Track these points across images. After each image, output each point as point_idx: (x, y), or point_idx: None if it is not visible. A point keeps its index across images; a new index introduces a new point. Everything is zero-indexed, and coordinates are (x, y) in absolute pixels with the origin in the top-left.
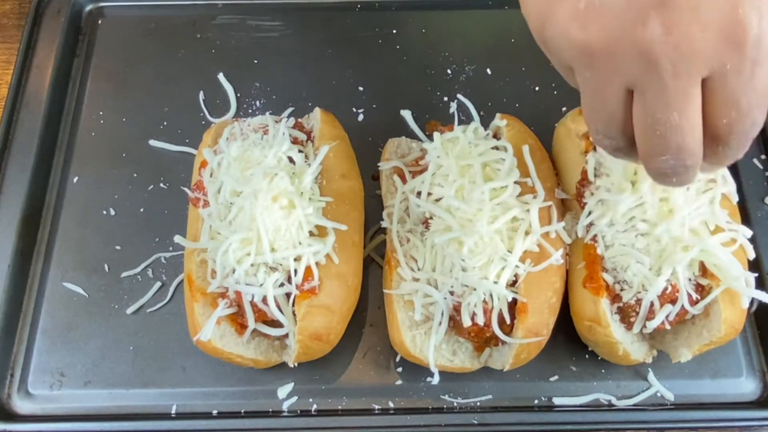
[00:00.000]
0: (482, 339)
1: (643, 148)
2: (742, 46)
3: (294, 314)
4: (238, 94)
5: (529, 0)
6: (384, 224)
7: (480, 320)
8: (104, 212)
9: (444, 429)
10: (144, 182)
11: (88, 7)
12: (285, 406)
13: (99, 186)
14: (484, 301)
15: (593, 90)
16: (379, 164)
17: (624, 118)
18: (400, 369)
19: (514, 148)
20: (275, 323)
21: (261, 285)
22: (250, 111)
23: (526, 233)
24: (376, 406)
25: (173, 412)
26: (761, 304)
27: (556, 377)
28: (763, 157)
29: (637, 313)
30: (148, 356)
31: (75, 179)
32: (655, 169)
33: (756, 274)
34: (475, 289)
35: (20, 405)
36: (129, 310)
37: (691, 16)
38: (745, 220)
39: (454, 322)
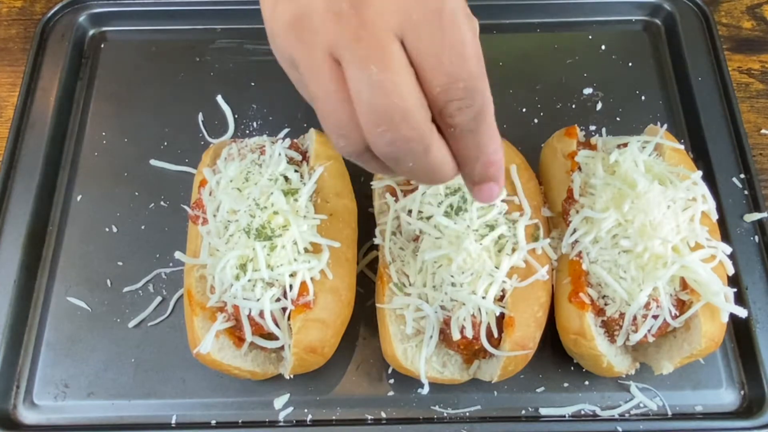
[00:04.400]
0: (471, 352)
1: (363, 125)
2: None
3: (290, 328)
4: (236, 116)
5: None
6: (376, 241)
7: (469, 334)
8: (107, 229)
9: None
10: (145, 200)
11: (91, 32)
12: (281, 417)
13: (102, 204)
14: (473, 316)
15: (305, 68)
16: (371, 183)
17: (343, 98)
18: (392, 381)
19: None
20: (272, 336)
21: (258, 300)
22: (247, 132)
23: (513, 250)
24: (369, 417)
25: (173, 422)
26: (740, 319)
27: (542, 388)
28: (742, 175)
29: (621, 327)
30: (149, 368)
31: (78, 197)
32: (379, 149)
33: (735, 290)
34: (464, 304)
35: (26, 415)
36: (131, 324)
37: None
38: (725, 236)
39: (444, 336)
